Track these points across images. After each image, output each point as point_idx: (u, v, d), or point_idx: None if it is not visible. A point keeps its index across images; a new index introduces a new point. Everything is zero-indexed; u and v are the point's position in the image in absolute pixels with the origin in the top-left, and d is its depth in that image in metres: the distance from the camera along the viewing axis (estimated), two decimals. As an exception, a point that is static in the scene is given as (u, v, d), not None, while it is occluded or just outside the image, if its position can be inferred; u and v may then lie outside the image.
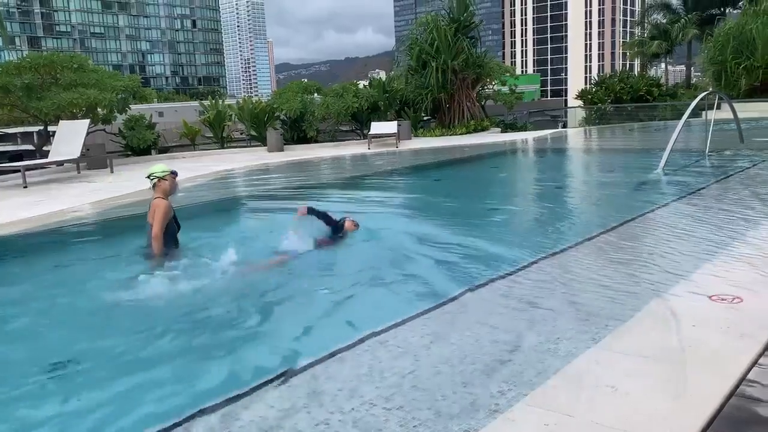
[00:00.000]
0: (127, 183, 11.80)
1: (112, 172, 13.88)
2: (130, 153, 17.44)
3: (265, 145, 19.24)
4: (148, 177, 5.87)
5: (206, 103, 21.43)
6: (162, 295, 4.85)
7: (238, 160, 15.96)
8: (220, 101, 21.41)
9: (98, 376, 3.61)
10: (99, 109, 15.96)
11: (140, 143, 17.19)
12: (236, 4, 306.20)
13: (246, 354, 3.84)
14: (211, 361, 3.71)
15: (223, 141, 20.10)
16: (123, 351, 3.96)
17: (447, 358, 3.34)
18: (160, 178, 5.80)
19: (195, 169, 14.06)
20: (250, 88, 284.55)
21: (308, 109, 20.08)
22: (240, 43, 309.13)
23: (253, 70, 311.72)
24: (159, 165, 5.99)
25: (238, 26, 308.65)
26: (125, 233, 8.08)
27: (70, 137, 13.36)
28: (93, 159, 14.51)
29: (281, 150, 18.68)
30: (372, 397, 2.92)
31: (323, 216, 6.31)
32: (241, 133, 21.68)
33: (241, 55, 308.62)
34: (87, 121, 14.08)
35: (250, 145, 20.68)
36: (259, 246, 6.51)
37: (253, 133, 20.47)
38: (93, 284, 5.45)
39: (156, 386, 3.42)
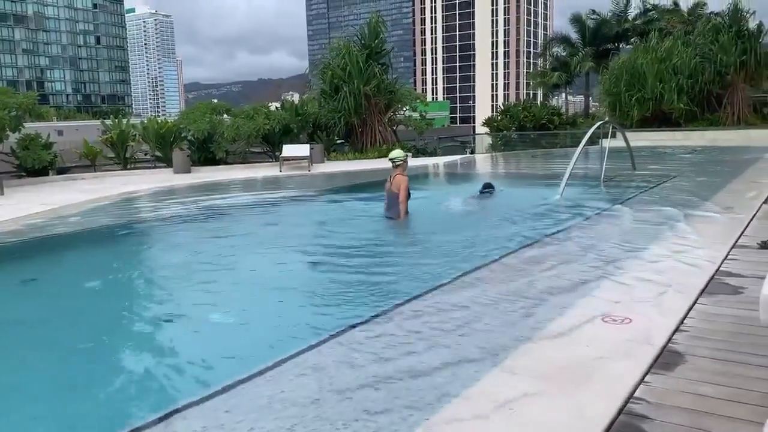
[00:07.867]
0: (20, 206, 11.10)
1: (2, 194, 13.03)
2: (24, 174, 16.44)
3: (170, 166, 18.66)
4: (391, 159, 8.60)
5: (108, 122, 20.56)
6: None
7: (142, 182, 15.38)
8: (124, 120, 20.60)
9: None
10: (-11, 127, 15.00)
11: (35, 164, 16.23)
12: (144, 21, 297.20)
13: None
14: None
15: (126, 162, 19.33)
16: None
17: (350, 385, 3.32)
18: (403, 160, 8.52)
19: (95, 191, 13.43)
20: (158, 107, 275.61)
21: (217, 129, 19.66)
22: (147, 61, 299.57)
23: (162, 89, 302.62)
24: (398, 150, 8.91)
25: (145, 44, 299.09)
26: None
27: (-46, 156, 12.49)
28: (-19, 180, 13.59)
29: (188, 171, 18.18)
30: (272, 428, 2.86)
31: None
32: (146, 154, 20.88)
33: (148, 73, 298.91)
34: (-25, 140, 13.23)
35: (155, 166, 19.97)
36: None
37: (159, 153, 19.80)
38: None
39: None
